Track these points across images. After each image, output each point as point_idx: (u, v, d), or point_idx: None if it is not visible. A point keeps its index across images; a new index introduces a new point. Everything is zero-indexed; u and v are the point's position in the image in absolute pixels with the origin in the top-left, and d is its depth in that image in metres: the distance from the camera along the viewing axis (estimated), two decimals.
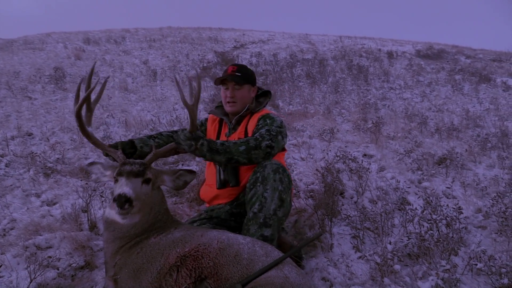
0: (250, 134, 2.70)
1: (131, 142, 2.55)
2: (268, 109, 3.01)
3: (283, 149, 2.84)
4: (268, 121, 2.64)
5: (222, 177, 2.69)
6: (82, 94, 2.21)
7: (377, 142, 5.85)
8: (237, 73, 2.76)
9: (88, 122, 2.32)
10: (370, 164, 4.49)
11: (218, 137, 2.92)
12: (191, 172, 2.32)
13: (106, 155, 2.39)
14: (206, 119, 3.09)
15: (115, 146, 2.38)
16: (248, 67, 2.98)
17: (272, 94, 3.10)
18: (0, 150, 5.08)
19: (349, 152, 4.60)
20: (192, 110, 2.22)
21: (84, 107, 2.30)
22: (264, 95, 3.00)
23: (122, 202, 1.88)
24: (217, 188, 2.72)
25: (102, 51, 15.96)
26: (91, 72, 2.31)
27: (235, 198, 2.75)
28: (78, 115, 2.17)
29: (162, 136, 2.80)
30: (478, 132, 6.88)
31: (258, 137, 2.45)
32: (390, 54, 15.44)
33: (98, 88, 2.45)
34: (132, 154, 2.52)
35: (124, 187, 1.95)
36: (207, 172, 2.95)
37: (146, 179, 2.09)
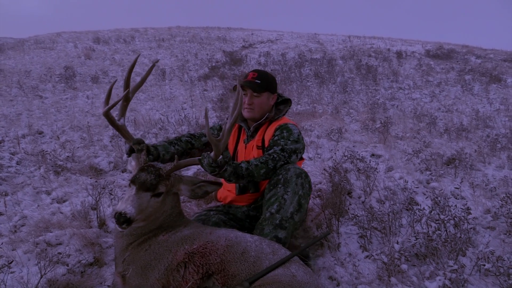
0: (267, 143, 2.71)
1: (155, 149, 2.54)
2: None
3: (301, 158, 2.85)
4: (285, 134, 2.62)
5: (242, 184, 2.68)
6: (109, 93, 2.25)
7: (385, 142, 5.83)
8: (256, 80, 2.71)
9: (122, 112, 2.32)
10: (378, 164, 4.46)
11: (237, 143, 2.93)
12: (217, 184, 2.26)
13: (132, 151, 2.36)
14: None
15: (139, 142, 2.31)
16: (269, 73, 2.90)
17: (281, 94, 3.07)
18: (11, 148, 5.15)
19: (357, 152, 4.59)
20: (217, 146, 2.12)
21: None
22: (284, 103, 2.95)
23: (121, 222, 1.86)
24: (237, 194, 2.74)
25: (112, 50, 16.07)
26: (133, 65, 2.32)
27: (253, 201, 2.79)
28: (106, 115, 2.18)
29: (181, 143, 2.79)
30: (488, 132, 6.82)
31: (275, 157, 2.46)
32: (399, 54, 15.31)
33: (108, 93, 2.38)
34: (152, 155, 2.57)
35: (127, 204, 1.91)
36: None
37: (157, 193, 2.06)
